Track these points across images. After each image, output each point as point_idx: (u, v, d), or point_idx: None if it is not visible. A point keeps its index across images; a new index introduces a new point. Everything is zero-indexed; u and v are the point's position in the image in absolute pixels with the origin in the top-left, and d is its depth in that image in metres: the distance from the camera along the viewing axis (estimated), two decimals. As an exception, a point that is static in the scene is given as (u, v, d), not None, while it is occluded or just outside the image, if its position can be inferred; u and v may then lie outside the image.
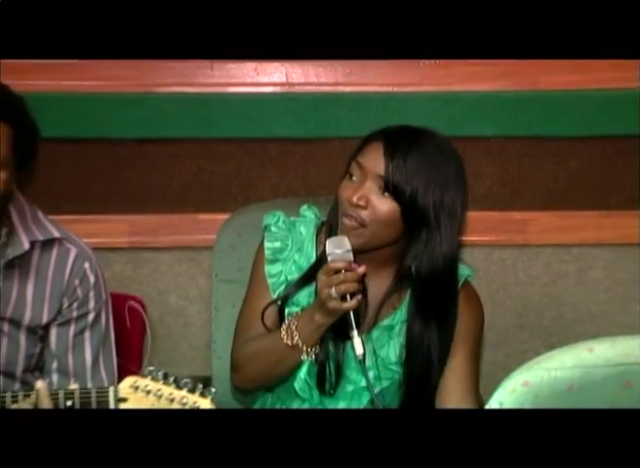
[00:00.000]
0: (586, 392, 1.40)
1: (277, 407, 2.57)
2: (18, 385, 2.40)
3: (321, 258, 2.42)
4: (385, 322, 2.47)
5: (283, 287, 2.51)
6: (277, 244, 2.52)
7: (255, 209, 2.81)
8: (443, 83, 3.05)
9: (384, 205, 2.34)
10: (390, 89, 3.05)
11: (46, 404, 2.07)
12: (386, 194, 2.33)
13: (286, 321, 2.43)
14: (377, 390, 2.44)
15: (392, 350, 2.47)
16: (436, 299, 2.44)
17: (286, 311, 2.48)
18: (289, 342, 2.39)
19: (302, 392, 2.48)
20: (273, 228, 2.53)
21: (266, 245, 2.52)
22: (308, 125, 3.02)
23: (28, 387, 2.31)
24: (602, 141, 3.07)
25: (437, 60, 3.05)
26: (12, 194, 2.36)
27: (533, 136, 3.08)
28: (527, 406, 1.42)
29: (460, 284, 2.49)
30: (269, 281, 2.52)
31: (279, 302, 2.49)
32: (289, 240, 2.52)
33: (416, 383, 2.46)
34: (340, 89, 3.05)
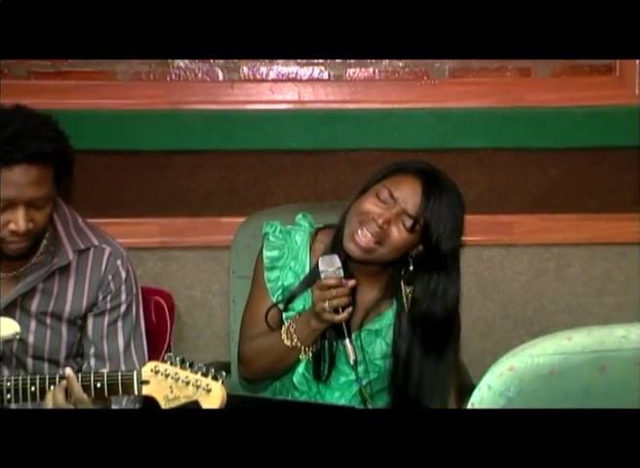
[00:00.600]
0: (566, 376, 1.39)
1: (283, 395, 2.58)
2: (61, 371, 2.33)
3: (315, 268, 2.42)
4: (373, 325, 2.49)
5: (280, 291, 2.52)
6: (275, 253, 2.53)
7: (268, 213, 2.81)
8: (438, 100, 3.05)
9: (405, 237, 2.35)
10: (391, 105, 3.04)
11: (76, 388, 2.11)
12: (407, 229, 2.34)
13: (285, 324, 2.45)
14: (365, 381, 2.45)
15: (378, 347, 2.50)
16: (437, 336, 2.45)
17: (284, 315, 2.50)
18: (288, 343, 2.42)
19: (301, 385, 2.51)
20: (271, 237, 2.54)
21: (265, 253, 2.53)
22: (318, 138, 3.02)
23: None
24: (579, 153, 3.07)
25: (434, 80, 3.05)
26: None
27: (518, 148, 3.08)
28: (513, 388, 1.39)
29: None
30: (268, 285, 2.53)
31: (280, 306, 2.50)
32: (285, 248, 2.53)
33: (400, 377, 2.47)
34: (347, 106, 3.04)
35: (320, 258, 2.37)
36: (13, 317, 2.35)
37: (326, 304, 2.31)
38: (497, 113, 3.06)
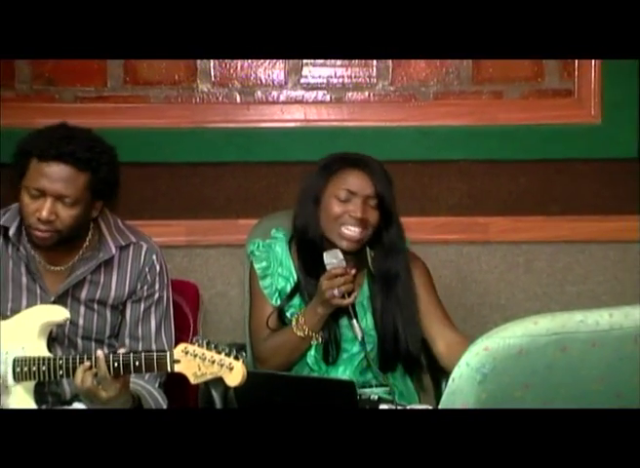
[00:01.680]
0: (532, 354, 1.39)
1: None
2: (105, 348, 2.39)
3: (301, 268, 2.50)
4: (359, 300, 2.49)
5: (277, 294, 2.54)
6: (263, 263, 2.55)
7: (277, 216, 2.82)
8: (423, 119, 3.06)
9: (378, 215, 2.45)
10: (384, 124, 3.05)
11: (102, 368, 2.13)
12: (374, 207, 2.43)
13: (293, 320, 2.46)
14: (368, 348, 2.47)
15: (370, 320, 2.52)
16: (395, 272, 2.51)
17: (288, 314, 2.51)
18: (301, 334, 2.43)
19: (313, 365, 2.50)
20: (256, 252, 2.57)
21: (256, 266, 2.56)
22: (322, 151, 2.86)
23: (113, 348, 2.38)
24: (544, 164, 3.08)
25: (420, 102, 3.06)
26: (89, 221, 2.37)
27: (492, 160, 3.09)
28: (487, 365, 1.39)
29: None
30: (265, 292, 2.55)
31: (278, 309, 2.52)
32: (270, 258, 2.55)
33: (388, 342, 2.50)
34: (346, 124, 3.05)
35: (325, 253, 2.40)
36: (65, 304, 2.36)
37: (335, 291, 2.34)
38: (474, 130, 3.07)
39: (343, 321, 2.48)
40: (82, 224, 2.35)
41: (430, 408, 2.37)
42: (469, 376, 1.42)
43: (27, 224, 2.29)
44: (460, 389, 1.43)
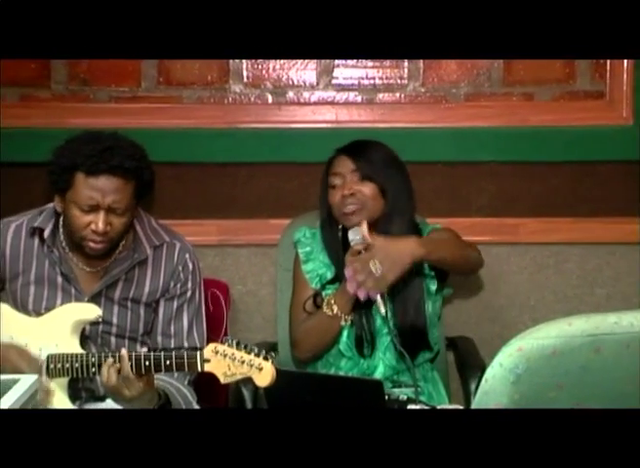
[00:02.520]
0: (566, 356, 1.39)
1: (326, 370, 2.60)
2: (139, 346, 2.43)
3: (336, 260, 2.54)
4: None
5: (318, 279, 2.58)
6: (307, 248, 2.61)
7: (308, 215, 2.84)
8: (453, 120, 3.05)
9: (364, 185, 2.50)
10: (414, 125, 3.04)
11: (126, 367, 2.14)
12: (359, 180, 2.49)
13: (325, 300, 2.50)
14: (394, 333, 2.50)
15: (388, 307, 2.50)
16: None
17: (323, 294, 2.55)
18: (330, 312, 2.46)
19: (346, 351, 2.53)
20: (302, 239, 2.63)
21: (299, 251, 2.62)
22: None
23: (147, 346, 2.40)
24: (574, 165, 3.06)
25: (451, 103, 3.05)
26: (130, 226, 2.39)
27: (522, 161, 3.07)
28: (520, 366, 1.39)
29: (430, 230, 2.60)
30: (307, 276, 2.60)
31: (315, 293, 2.56)
32: (314, 244, 2.60)
33: (408, 330, 2.51)
34: (376, 125, 3.04)
35: (350, 231, 2.45)
36: (99, 303, 2.38)
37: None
38: (504, 132, 3.05)
39: (376, 314, 2.50)
40: (126, 231, 2.37)
41: (461, 408, 2.36)
42: (502, 377, 1.42)
43: (80, 236, 2.30)
44: (494, 389, 1.43)
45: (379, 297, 2.39)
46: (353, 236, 2.44)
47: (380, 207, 2.52)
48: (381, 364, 2.54)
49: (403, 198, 2.55)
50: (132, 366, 2.15)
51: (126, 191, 2.28)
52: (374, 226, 2.50)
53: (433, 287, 2.56)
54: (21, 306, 2.42)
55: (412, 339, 2.51)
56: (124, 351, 2.16)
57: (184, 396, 2.38)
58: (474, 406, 1.47)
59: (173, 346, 2.39)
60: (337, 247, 2.55)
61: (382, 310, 2.39)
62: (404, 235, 2.47)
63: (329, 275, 2.58)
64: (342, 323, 2.48)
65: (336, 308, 2.46)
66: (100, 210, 2.26)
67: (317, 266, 2.59)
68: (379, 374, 2.52)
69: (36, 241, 2.42)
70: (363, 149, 2.56)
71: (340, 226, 2.56)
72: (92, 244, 2.30)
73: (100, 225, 2.26)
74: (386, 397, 2.38)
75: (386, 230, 2.50)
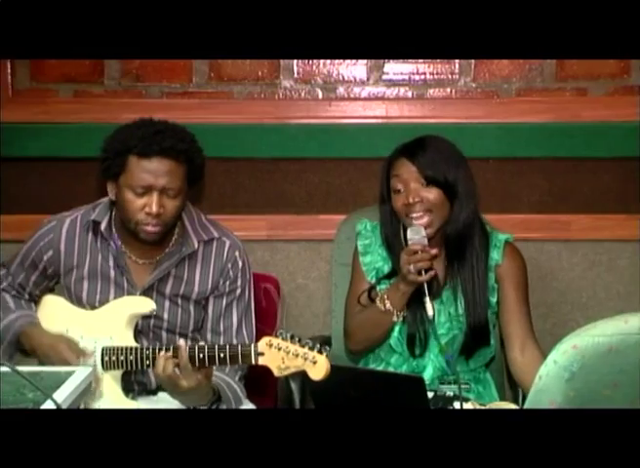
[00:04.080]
0: (622, 353, 1.38)
1: (376, 364, 2.60)
2: (189, 342, 2.41)
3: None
4: (448, 285, 2.52)
5: (374, 272, 2.58)
6: (366, 241, 2.60)
7: (365, 211, 2.83)
8: (505, 116, 3.03)
9: (430, 190, 2.44)
10: (465, 120, 3.03)
11: (184, 358, 2.17)
12: (425, 185, 2.43)
13: (379, 295, 2.50)
14: (448, 338, 2.49)
15: (459, 305, 2.51)
16: (462, 252, 2.50)
17: (377, 288, 2.54)
18: (382, 307, 2.46)
19: (396, 347, 2.53)
20: (363, 231, 2.62)
21: (359, 243, 2.61)
22: None
23: (196, 342, 2.40)
24: (627, 162, 3.01)
25: (502, 98, 3.03)
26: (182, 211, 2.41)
27: (574, 157, 3.04)
28: (575, 364, 1.39)
29: (502, 243, 2.53)
30: (364, 268, 2.59)
31: (371, 287, 2.55)
32: (373, 238, 2.60)
33: (473, 327, 2.50)
34: (427, 120, 3.03)
35: (409, 229, 2.43)
36: (150, 297, 2.40)
37: (411, 267, 2.36)
38: (556, 127, 3.03)
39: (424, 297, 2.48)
40: (180, 215, 2.40)
41: (515, 407, 2.34)
42: (557, 374, 1.42)
43: (135, 221, 2.32)
44: (548, 387, 1.43)
45: (427, 300, 2.38)
46: (412, 235, 2.42)
47: (446, 211, 2.47)
48: (431, 365, 2.54)
49: (469, 200, 2.50)
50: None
51: (178, 173, 2.31)
52: (440, 230, 2.48)
53: (493, 299, 2.55)
54: (76, 300, 2.45)
55: (475, 338, 2.51)
56: (182, 342, 2.20)
57: (235, 391, 2.40)
58: (528, 403, 1.47)
59: (222, 343, 2.39)
60: (396, 243, 2.53)
61: (430, 313, 2.39)
62: (472, 243, 2.48)
63: (386, 269, 2.57)
64: (395, 319, 2.47)
65: (388, 304, 2.46)
66: (153, 192, 2.29)
67: (375, 259, 2.59)
68: (427, 376, 2.51)
69: (90, 235, 2.45)
70: (425, 150, 2.48)
71: (401, 223, 2.54)
72: (147, 228, 2.32)
73: (154, 207, 2.28)
74: (433, 393, 2.40)
75: (454, 236, 2.49)
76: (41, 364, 2.39)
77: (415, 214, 2.44)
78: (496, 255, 2.54)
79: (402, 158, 2.48)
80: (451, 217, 2.47)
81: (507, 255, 2.54)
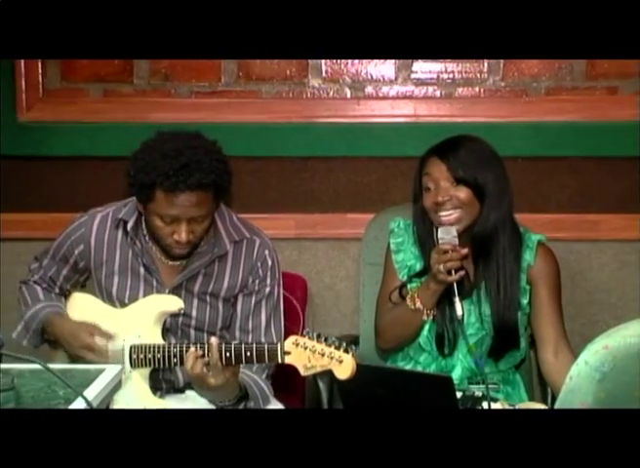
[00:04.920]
0: None
1: (405, 363, 2.59)
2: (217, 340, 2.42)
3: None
4: (479, 285, 2.51)
5: (406, 270, 2.58)
6: (399, 239, 2.60)
7: (393, 210, 2.83)
8: (534, 115, 3.02)
9: (460, 189, 2.43)
10: (494, 119, 3.01)
11: (214, 355, 2.18)
12: (456, 185, 2.43)
13: (409, 293, 2.50)
14: (477, 338, 2.49)
15: (487, 306, 2.50)
16: (491, 251, 2.48)
17: (408, 287, 2.54)
18: (412, 306, 2.47)
19: (425, 345, 2.53)
20: (396, 229, 2.62)
21: (392, 241, 2.61)
22: None
23: (225, 340, 2.39)
24: (658, 161, 2.99)
25: (531, 97, 3.02)
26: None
27: (604, 156, 3.01)
28: (607, 364, 1.37)
29: (535, 244, 2.53)
30: (396, 266, 2.59)
31: (402, 285, 2.55)
32: (406, 236, 2.59)
33: (500, 329, 2.49)
34: (455, 119, 3.03)
35: (440, 229, 2.44)
36: (179, 296, 2.41)
37: (441, 266, 2.36)
38: (586, 126, 3.01)
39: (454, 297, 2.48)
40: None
41: (545, 407, 2.33)
42: (588, 375, 1.41)
43: (165, 244, 2.34)
44: (579, 387, 1.42)
45: (457, 300, 2.38)
46: (443, 235, 2.42)
47: (475, 210, 2.46)
48: (459, 365, 2.53)
49: (500, 201, 2.48)
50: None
51: (206, 202, 2.29)
52: (469, 230, 2.47)
53: (525, 300, 2.54)
54: (106, 296, 2.47)
55: (503, 340, 2.50)
56: (213, 339, 2.20)
57: (262, 389, 2.40)
58: (558, 403, 1.46)
59: (250, 341, 2.40)
60: (428, 242, 2.53)
61: (459, 312, 2.39)
62: (502, 243, 2.47)
63: (418, 267, 2.57)
64: (424, 317, 2.48)
65: (418, 302, 2.46)
66: (182, 221, 2.28)
67: (407, 257, 2.59)
68: (455, 375, 2.50)
69: (120, 232, 2.46)
70: (456, 150, 2.47)
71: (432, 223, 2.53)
72: (176, 251, 2.35)
73: (183, 236, 2.29)
74: (461, 393, 2.38)
75: (482, 236, 2.47)
76: (68, 358, 2.42)
77: (443, 213, 2.44)
78: (528, 257, 2.52)
79: (434, 157, 2.48)
80: (480, 217, 2.46)
81: (540, 257, 2.53)
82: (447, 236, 2.41)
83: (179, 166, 2.22)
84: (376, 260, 2.72)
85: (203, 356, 2.21)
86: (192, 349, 2.23)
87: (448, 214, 2.44)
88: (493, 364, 2.54)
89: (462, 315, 2.39)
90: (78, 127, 3.07)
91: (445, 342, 2.50)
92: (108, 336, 2.36)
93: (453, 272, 2.37)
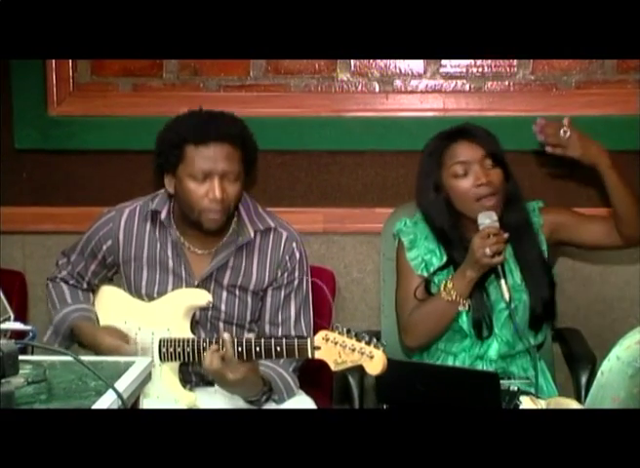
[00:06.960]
0: None
1: (435, 357, 2.59)
2: (246, 333, 2.44)
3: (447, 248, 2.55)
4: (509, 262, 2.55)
5: (423, 265, 2.57)
6: (411, 236, 2.60)
7: (408, 206, 2.80)
8: (564, 109, 2.96)
9: (498, 172, 2.51)
10: (523, 113, 2.99)
11: (229, 351, 2.18)
12: (492, 166, 2.49)
13: (441, 285, 2.48)
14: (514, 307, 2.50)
15: (516, 276, 2.55)
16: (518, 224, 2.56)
17: (436, 280, 2.53)
18: (449, 298, 2.46)
19: (461, 334, 2.53)
20: (404, 228, 2.62)
21: (403, 239, 2.61)
22: None
23: (255, 333, 2.42)
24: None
25: (562, 91, 3.01)
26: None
27: (635, 150, 2.97)
28: (639, 360, 1.37)
29: (537, 209, 2.63)
30: (412, 263, 2.59)
31: (426, 280, 2.55)
32: (417, 232, 2.60)
33: (537, 295, 2.54)
34: (485, 113, 3.01)
35: (480, 214, 2.46)
36: (208, 288, 2.43)
37: (487, 250, 2.39)
38: (616, 120, 2.99)
39: (492, 294, 2.51)
40: (238, 203, 2.42)
41: (581, 407, 2.32)
42: (620, 370, 1.41)
43: (199, 209, 2.35)
44: (610, 383, 1.42)
45: (503, 283, 2.42)
46: (483, 220, 2.45)
47: (506, 191, 2.53)
48: (496, 341, 2.54)
49: (517, 180, 2.59)
50: (242, 351, 2.19)
51: (235, 157, 2.34)
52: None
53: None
54: (135, 290, 2.48)
55: (542, 308, 2.55)
56: (226, 335, 2.20)
57: (287, 383, 2.40)
58: (590, 398, 1.46)
59: (280, 335, 2.40)
60: (452, 233, 2.54)
61: (507, 296, 2.43)
62: (519, 218, 2.55)
63: (434, 261, 2.57)
64: (460, 308, 2.48)
65: (454, 293, 2.45)
66: (214, 177, 2.32)
67: (422, 252, 2.59)
68: (493, 351, 2.53)
69: (149, 225, 2.47)
70: (484, 134, 2.55)
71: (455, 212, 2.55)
72: (211, 215, 2.35)
73: (217, 192, 2.31)
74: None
75: (506, 214, 2.52)
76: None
77: (486, 198, 2.47)
78: (536, 221, 2.61)
79: (463, 141, 2.51)
80: (508, 198, 2.53)
81: (544, 214, 2.63)
82: (487, 220, 2.44)
83: (206, 118, 2.35)
84: (393, 256, 2.70)
85: (219, 351, 2.21)
86: (214, 346, 2.23)
87: (489, 199, 2.47)
88: (533, 336, 2.56)
89: (510, 297, 2.43)
90: (108, 121, 3.09)
91: (483, 326, 2.51)
92: (132, 341, 2.38)
93: (497, 255, 2.40)
